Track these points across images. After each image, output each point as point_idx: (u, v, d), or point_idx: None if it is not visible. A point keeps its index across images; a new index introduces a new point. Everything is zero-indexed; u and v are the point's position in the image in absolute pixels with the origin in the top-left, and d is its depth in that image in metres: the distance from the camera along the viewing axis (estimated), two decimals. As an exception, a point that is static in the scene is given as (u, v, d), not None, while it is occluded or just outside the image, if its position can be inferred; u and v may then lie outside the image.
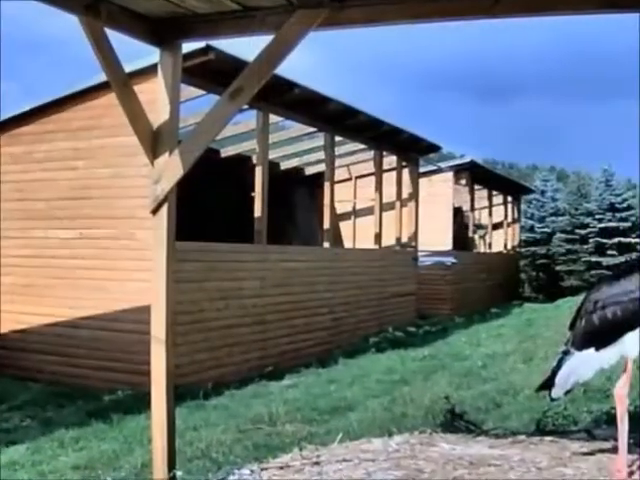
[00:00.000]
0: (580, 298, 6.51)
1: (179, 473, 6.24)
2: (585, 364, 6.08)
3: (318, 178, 21.81)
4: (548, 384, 6.35)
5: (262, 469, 6.53)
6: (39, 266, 13.82)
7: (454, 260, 26.74)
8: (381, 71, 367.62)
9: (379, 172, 20.81)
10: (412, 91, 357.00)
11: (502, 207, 34.47)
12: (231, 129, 18.03)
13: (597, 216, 37.31)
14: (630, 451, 5.83)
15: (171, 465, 6.16)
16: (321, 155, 20.17)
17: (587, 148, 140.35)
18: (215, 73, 12.21)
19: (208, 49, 12.00)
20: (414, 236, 22.71)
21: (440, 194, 26.88)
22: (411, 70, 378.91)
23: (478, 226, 34.18)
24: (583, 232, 37.77)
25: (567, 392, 6.44)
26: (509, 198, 35.38)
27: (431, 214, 25.20)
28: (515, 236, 36.52)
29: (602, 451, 6.60)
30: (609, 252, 35.99)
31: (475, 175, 29.38)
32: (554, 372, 6.24)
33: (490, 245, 33.25)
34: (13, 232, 14.14)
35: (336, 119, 17.57)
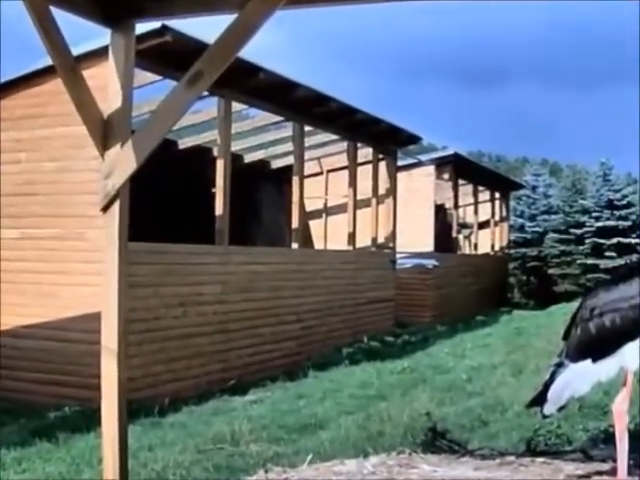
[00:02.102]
0: (575, 304, 6.56)
1: (132, 498, 6.23)
2: (581, 377, 6.11)
3: (286, 172, 21.80)
4: (540, 399, 6.38)
5: (224, 493, 6.54)
6: (-24, 269, 13.71)
7: (436, 263, 26.79)
8: (356, 54, 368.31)
9: (353, 165, 20.79)
10: (390, 77, 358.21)
11: (489, 204, 34.68)
12: (190, 118, 17.98)
13: (594, 214, 37.42)
14: (630, 473, 5.87)
15: (123, 489, 6.13)
16: (289, 147, 20.21)
17: (582, 139, 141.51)
18: (172, 56, 12.18)
19: (164, 30, 11.95)
20: (392, 236, 22.73)
21: (420, 190, 26.99)
22: (389, 54, 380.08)
23: (462, 225, 34.33)
24: (578, 232, 37.90)
25: (561, 408, 6.48)
26: (497, 194, 35.57)
27: (411, 212, 25.33)
28: (503, 236, 36.68)
29: (599, 473, 6.63)
30: (607, 254, 36.09)
31: (459, 169, 29.48)
32: (546, 386, 6.27)
33: (476, 246, 33.40)
34: (-52, 232, 13.99)
35: (306, 107, 17.55)
